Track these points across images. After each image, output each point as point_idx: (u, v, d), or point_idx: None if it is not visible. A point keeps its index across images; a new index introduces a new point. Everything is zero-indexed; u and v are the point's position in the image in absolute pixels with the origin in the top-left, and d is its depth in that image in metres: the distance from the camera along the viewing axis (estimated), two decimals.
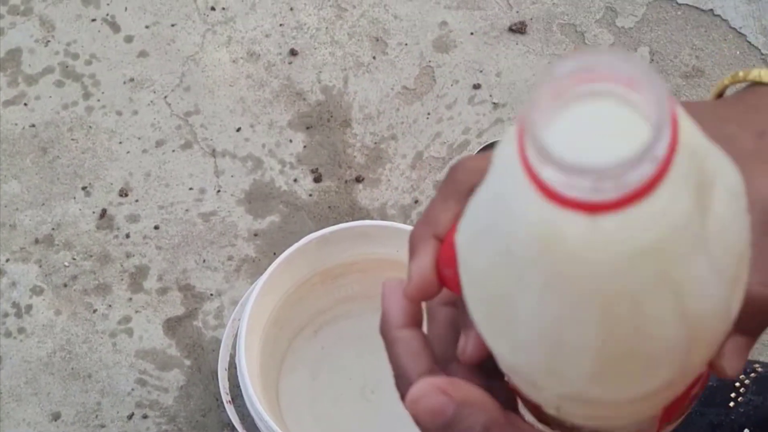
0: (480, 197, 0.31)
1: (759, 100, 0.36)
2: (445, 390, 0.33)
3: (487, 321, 0.30)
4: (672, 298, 0.27)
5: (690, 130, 0.28)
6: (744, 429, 0.92)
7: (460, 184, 0.35)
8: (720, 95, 0.41)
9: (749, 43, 1.30)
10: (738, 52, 1.30)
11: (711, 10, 1.33)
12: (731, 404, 0.93)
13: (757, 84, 0.37)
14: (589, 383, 0.28)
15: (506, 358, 0.30)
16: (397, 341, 0.35)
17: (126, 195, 1.22)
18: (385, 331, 0.36)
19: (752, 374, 0.92)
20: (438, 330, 0.36)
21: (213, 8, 1.35)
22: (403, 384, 0.35)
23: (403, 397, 0.35)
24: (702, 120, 0.34)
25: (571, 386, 0.29)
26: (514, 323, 0.29)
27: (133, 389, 1.12)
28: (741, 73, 0.38)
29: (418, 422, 0.33)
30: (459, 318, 0.35)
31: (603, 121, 0.27)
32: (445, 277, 0.35)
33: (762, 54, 1.29)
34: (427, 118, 1.27)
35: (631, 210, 0.26)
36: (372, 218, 1.20)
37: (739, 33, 1.31)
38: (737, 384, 0.80)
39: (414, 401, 0.33)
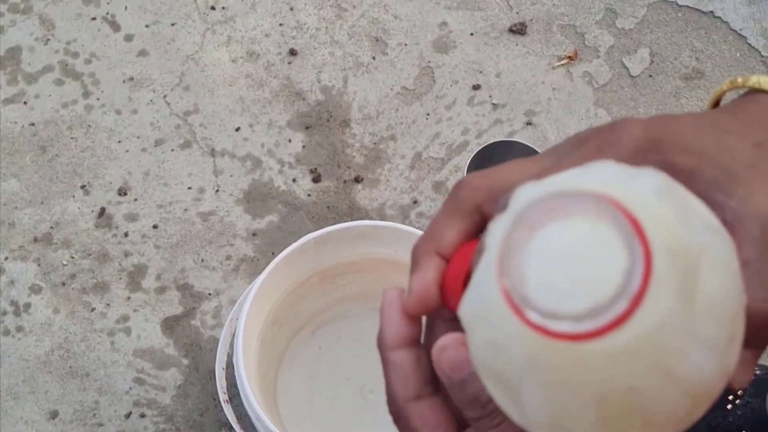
0: (477, 283, 0.32)
1: (759, 110, 0.36)
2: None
3: (495, 390, 0.32)
4: (668, 381, 0.29)
5: (665, 225, 0.29)
6: (741, 431, 0.92)
7: (464, 201, 0.36)
8: (717, 101, 0.40)
9: (749, 45, 1.30)
10: (738, 54, 1.30)
11: (711, 12, 1.33)
12: (729, 406, 0.93)
13: (756, 91, 0.37)
14: None
15: (514, 419, 0.32)
16: (389, 363, 0.36)
17: (125, 194, 1.22)
18: (380, 348, 0.37)
19: None
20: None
21: (213, 8, 1.35)
22: (391, 405, 0.36)
23: (392, 414, 0.36)
24: (701, 132, 0.34)
25: None
26: (517, 400, 0.31)
27: (131, 388, 1.12)
28: (740, 80, 0.38)
29: (438, 372, 0.34)
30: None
31: (577, 245, 0.29)
32: (450, 305, 0.35)
33: (762, 56, 1.29)
34: (427, 118, 1.27)
35: (613, 333, 0.28)
36: (371, 218, 1.20)
37: (740, 35, 1.31)
38: None
39: (441, 348, 0.34)
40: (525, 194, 0.31)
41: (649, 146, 0.34)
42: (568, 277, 0.28)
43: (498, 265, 0.30)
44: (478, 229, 0.36)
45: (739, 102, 0.37)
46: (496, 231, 0.31)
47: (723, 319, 0.29)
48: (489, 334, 0.30)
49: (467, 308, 0.31)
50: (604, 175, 0.30)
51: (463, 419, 0.35)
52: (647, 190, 0.30)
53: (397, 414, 0.36)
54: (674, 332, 0.28)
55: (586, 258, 0.28)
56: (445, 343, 0.34)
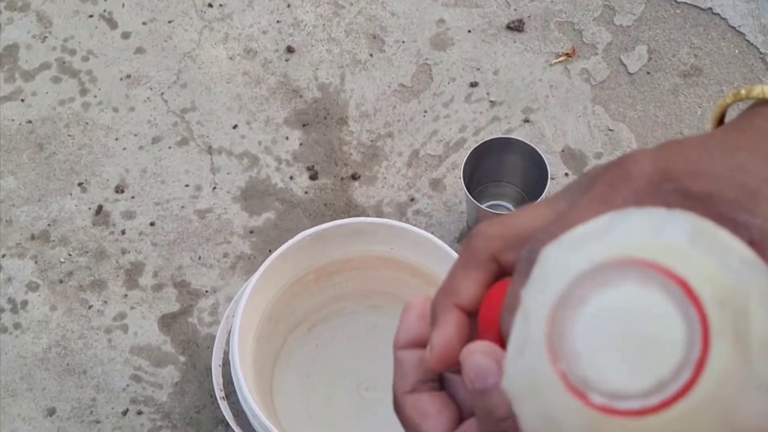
0: (520, 354, 0.31)
1: (767, 123, 0.35)
2: (499, 361, 0.34)
3: None
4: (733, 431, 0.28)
5: (710, 276, 0.28)
6: None
7: (480, 251, 0.36)
8: (722, 114, 0.40)
9: (748, 41, 1.30)
10: (737, 51, 1.30)
11: (710, 8, 1.32)
12: None
13: (762, 102, 0.37)
14: None
15: None
16: (395, 359, 0.38)
17: (122, 191, 1.22)
18: (393, 348, 0.38)
19: None
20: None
21: (210, 5, 1.35)
22: (394, 398, 0.37)
23: (394, 407, 0.37)
24: (711, 153, 0.33)
25: None
26: None
27: (128, 385, 1.12)
28: (743, 91, 0.38)
29: (464, 374, 0.34)
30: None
31: (628, 318, 0.28)
32: (488, 338, 0.36)
33: (761, 53, 1.29)
34: (424, 115, 1.27)
35: (679, 402, 0.27)
36: (368, 216, 1.20)
37: (738, 31, 1.31)
38: None
39: (471, 351, 0.34)
40: (554, 258, 0.31)
41: (661, 177, 0.33)
42: (628, 355, 0.28)
43: (549, 348, 0.29)
44: (497, 278, 0.36)
45: (745, 117, 0.37)
46: (534, 305, 0.30)
47: None
48: (543, 409, 0.30)
49: (514, 381, 0.31)
50: (632, 230, 0.30)
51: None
52: (681, 239, 0.29)
53: (395, 406, 0.37)
54: (736, 382, 0.28)
55: (641, 331, 0.28)
56: (475, 348, 0.34)
